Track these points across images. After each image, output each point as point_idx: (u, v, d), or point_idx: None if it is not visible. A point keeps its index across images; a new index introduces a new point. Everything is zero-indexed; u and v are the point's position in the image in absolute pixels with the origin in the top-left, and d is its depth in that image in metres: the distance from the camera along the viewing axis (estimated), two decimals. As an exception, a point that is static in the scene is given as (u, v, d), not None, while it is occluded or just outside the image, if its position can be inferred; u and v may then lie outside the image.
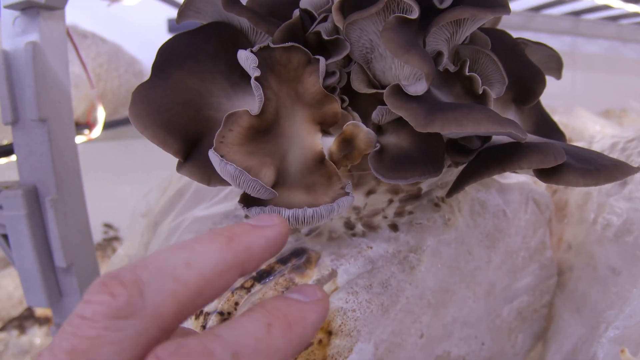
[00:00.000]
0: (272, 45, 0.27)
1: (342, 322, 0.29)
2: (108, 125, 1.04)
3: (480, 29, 0.32)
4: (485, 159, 0.25)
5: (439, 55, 0.26)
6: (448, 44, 0.27)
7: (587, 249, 0.46)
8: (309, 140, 0.27)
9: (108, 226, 1.33)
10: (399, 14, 0.23)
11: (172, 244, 0.20)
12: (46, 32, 0.44)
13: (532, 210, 0.46)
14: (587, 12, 1.18)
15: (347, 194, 0.25)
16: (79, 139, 1.02)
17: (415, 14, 0.23)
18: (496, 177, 0.45)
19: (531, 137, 0.34)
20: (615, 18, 1.24)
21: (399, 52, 0.22)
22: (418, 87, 0.23)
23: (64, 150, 0.47)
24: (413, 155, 0.26)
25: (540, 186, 0.52)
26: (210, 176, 0.26)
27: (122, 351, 0.15)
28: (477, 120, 0.20)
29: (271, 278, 0.28)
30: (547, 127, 0.36)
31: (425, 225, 0.34)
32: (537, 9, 1.14)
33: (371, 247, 0.30)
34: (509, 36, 0.33)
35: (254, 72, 0.24)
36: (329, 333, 0.28)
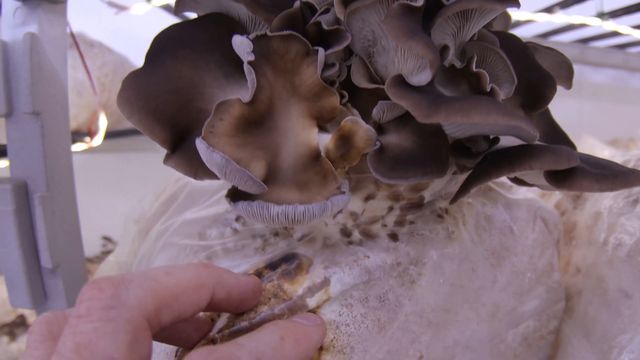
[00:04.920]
0: (269, 34, 0.25)
1: (334, 337, 0.26)
2: (110, 135, 1.03)
3: (488, 30, 0.30)
4: (493, 160, 0.23)
5: (444, 49, 0.25)
6: (454, 39, 0.26)
7: (596, 272, 0.43)
8: (304, 136, 0.25)
9: (107, 239, 1.31)
10: (403, 1, 0.22)
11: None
12: (46, 25, 0.43)
13: (540, 229, 0.44)
14: (595, 39, 1.17)
15: (342, 193, 0.23)
16: (80, 147, 1.01)
17: (420, 2, 0.22)
18: (503, 191, 0.43)
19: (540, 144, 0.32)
20: (622, 46, 1.24)
21: (402, 39, 0.20)
22: (422, 77, 0.21)
23: (56, 146, 0.46)
24: (415, 154, 0.24)
25: (549, 204, 0.50)
26: (197, 168, 0.25)
27: (116, 339, 0.17)
28: (486, 110, 0.19)
29: None
30: (556, 136, 0.34)
31: (427, 236, 0.32)
32: (545, 35, 1.13)
33: (368, 257, 0.28)
34: (518, 39, 0.31)
35: (248, 57, 0.23)
36: (320, 348, 0.26)
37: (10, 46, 0.42)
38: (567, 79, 0.36)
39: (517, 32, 1.20)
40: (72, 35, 0.83)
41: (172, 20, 1.10)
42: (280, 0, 0.31)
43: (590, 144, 1.08)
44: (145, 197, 0.66)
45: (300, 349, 0.22)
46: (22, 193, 0.44)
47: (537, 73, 0.31)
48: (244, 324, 0.24)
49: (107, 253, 1.23)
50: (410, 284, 0.30)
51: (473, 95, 0.22)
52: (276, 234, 0.30)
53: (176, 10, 0.30)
